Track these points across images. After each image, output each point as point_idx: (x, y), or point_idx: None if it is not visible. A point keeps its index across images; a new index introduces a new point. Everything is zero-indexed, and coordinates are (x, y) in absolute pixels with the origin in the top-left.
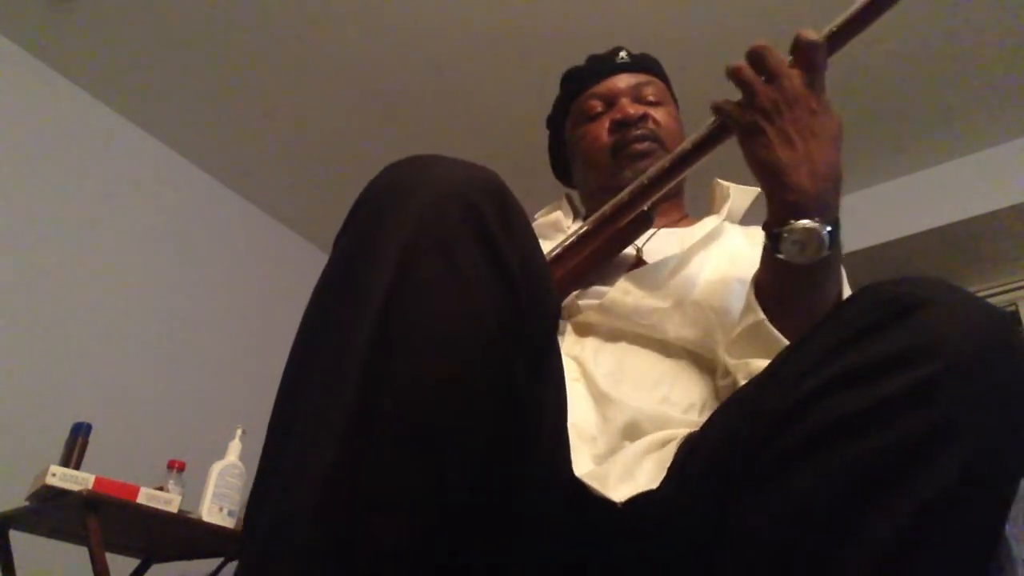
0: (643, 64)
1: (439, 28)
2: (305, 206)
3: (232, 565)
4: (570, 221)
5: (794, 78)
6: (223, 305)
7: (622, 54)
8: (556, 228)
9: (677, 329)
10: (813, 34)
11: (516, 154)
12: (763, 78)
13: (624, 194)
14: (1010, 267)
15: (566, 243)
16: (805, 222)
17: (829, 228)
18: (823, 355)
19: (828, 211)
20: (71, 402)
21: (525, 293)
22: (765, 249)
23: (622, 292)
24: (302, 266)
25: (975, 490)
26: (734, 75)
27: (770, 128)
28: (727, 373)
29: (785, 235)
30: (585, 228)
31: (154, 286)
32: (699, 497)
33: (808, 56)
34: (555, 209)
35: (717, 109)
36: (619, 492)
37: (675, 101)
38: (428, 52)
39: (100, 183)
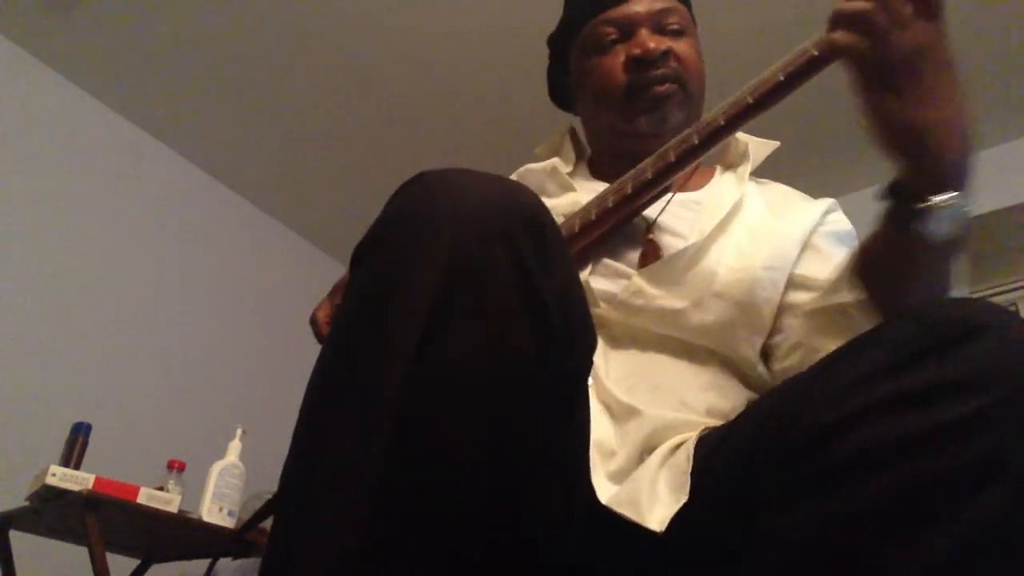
0: None
1: (438, 27)
2: (305, 206)
3: (225, 563)
4: (570, 167)
5: (925, 27)
6: (223, 305)
7: None
8: (553, 178)
9: (696, 327)
10: None
11: (516, 153)
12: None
13: (648, 172)
14: (1010, 267)
15: (585, 218)
16: (950, 196)
17: (969, 198)
18: (872, 373)
19: (969, 180)
20: (71, 402)
21: (561, 332)
22: (889, 219)
23: (633, 294)
24: (302, 266)
25: (1015, 527)
26: (858, 17)
27: (910, 80)
28: (791, 352)
29: (926, 211)
30: (606, 205)
31: (154, 286)
32: (720, 503)
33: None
34: (552, 151)
35: (837, 47)
36: (655, 519)
37: (695, 25)
38: (428, 51)
39: (100, 183)
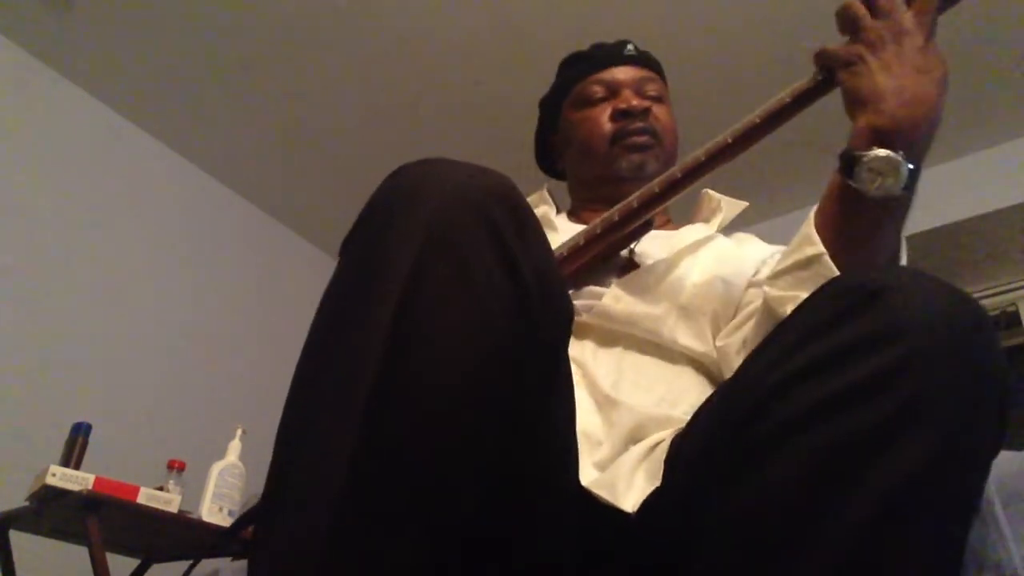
0: (648, 61)
1: (440, 28)
2: (305, 206)
3: (204, 565)
4: (553, 215)
5: (905, 15)
6: (223, 305)
7: (629, 47)
8: (546, 224)
9: (671, 333)
10: None
11: (516, 153)
12: (872, 16)
13: (634, 202)
14: (1010, 267)
15: (572, 245)
16: (887, 152)
17: (911, 165)
18: (790, 346)
19: (913, 147)
20: (71, 402)
21: (539, 303)
22: (836, 175)
23: (613, 299)
24: (302, 267)
25: (943, 473)
26: (844, 11)
27: (872, 58)
28: (739, 327)
29: (863, 160)
30: (594, 232)
31: (154, 286)
32: (686, 495)
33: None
34: (539, 202)
35: (822, 55)
36: (628, 501)
37: (670, 99)
38: (430, 52)
39: (100, 183)
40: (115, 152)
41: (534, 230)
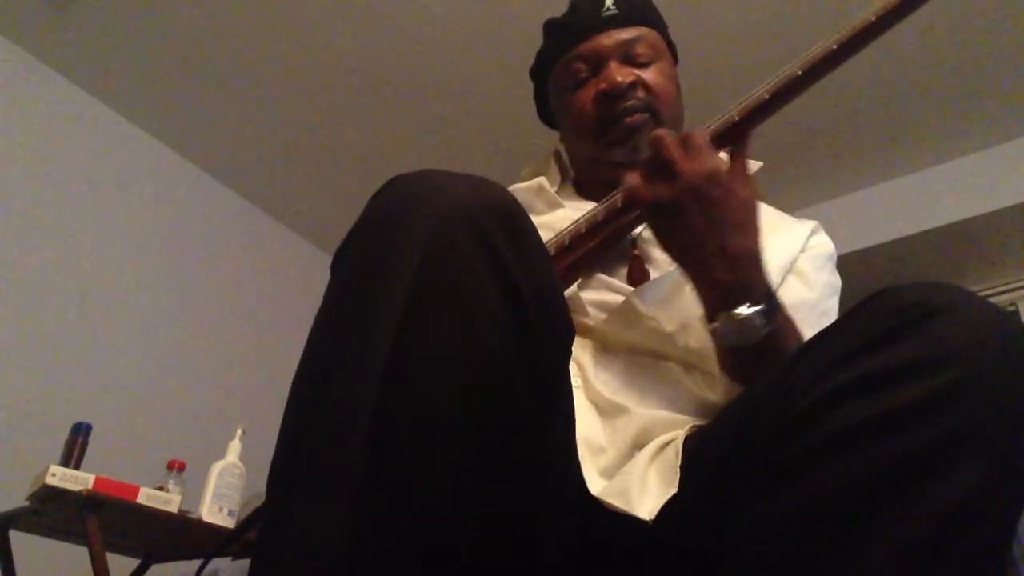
0: (632, 15)
1: (438, 26)
2: (304, 206)
3: (225, 562)
4: (555, 187)
5: (688, 172)
6: (223, 305)
7: (608, 3)
8: (540, 196)
9: (683, 348)
10: (697, 131)
11: (514, 151)
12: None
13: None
14: (1010, 267)
15: (574, 232)
16: (736, 312)
17: (760, 307)
18: (839, 359)
19: (754, 293)
20: (71, 402)
21: (537, 321)
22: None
23: (626, 313)
24: (302, 266)
25: (990, 500)
26: (655, 144)
27: (673, 228)
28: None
29: (719, 326)
30: (596, 219)
31: (154, 286)
32: (706, 495)
33: (690, 146)
34: (537, 173)
35: (630, 193)
36: (645, 509)
37: (671, 49)
38: (428, 50)
39: (99, 184)
40: (114, 151)
41: (532, 247)
